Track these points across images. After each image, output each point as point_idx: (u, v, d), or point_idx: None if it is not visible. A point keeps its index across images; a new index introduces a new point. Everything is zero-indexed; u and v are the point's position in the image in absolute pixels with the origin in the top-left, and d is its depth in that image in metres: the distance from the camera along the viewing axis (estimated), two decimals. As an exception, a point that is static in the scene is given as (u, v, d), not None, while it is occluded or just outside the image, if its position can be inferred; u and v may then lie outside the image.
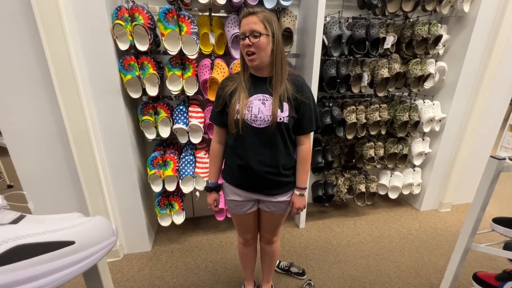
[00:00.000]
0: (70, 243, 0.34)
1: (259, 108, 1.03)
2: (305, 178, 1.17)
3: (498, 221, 1.16)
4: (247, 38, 0.97)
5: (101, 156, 1.61)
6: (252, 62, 1.00)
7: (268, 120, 1.03)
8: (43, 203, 1.64)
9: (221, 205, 1.85)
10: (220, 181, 1.27)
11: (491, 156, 0.98)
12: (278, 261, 1.76)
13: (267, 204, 1.19)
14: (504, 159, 0.96)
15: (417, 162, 2.28)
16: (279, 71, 1.02)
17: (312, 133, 1.14)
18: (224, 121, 1.11)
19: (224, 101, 1.09)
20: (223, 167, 1.25)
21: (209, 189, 1.25)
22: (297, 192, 1.18)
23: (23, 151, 1.52)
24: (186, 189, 1.79)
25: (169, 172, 1.72)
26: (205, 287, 1.63)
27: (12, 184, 2.98)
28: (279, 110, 1.03)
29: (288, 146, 1.11)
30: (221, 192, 1.29)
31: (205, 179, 1.78)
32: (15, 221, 0.33)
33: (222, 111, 1.11)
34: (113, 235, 0.41)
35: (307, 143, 1.15)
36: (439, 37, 1.92)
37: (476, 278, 1.26)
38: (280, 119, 1.03)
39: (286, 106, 1.04)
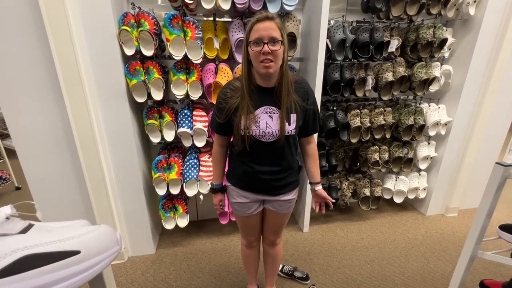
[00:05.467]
0: (76, 252, 0.35)
1: (266, 123, 1.01)
2: (319, 170, 1.23)
3: (505, 228, 1.14)
4: (265, 45, 0.89)
5: (106, 159, 1.64)
6: (268, 69, 0.92)
7: (276, 135, 1.01)
8: (50, 206, 1.66)
9: (225, 208, 1.85)
10: (225, 182, 1.28)
11: (496, 163, 0.96)
12: (281, 265, 1.75)
13: (273, 204, 1.19)
14: (511, 165, 0.94)
15: (422, 166, 2.25)
16: (286, 81, 0.98)
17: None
18: (226, 131, 1.10)
19: (228, 114, 1.04)
20: (227, 168, 1.26)
21: (214, 190, 1.26)
22: (319, 187, 1.22)
23: (31, 154, 1.55)
24: (190, 192, 1.80)
25: (173, 175, 1.74)
26: (209, 291, 1.63)
27: (20, 186, 3.03)
28: (286, 124, 1.00)
29: (293, 151, 1.13)
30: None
31: (209, 182, 1.79)
32: (24, 231, 0.34)
33: (225, 123, 1.07)
34: (117, 244, 0.42)
35: (314, 141, 1.19)
36: (444, 41, 1.91)
37: (483, 285, 1.24)
38: (288, 132, 1.02)
39: (293, 118, 1.02)
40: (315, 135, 1.86)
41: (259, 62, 0.92)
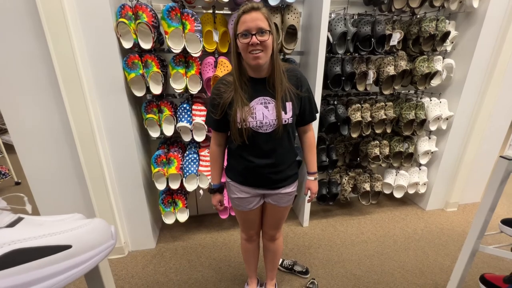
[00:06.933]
0: (67, 247, 0.34)
1: (263, 113, 1.01)
2: (315, 162, 1.23)
3: (507, 222, 1.14)
4: (253, 36, 0.89)
5: (105, 154, 1.62)
6: (258, 60, 0.92)
7: (273, 124, 1.01)
8: (49, 201, 1.66)
9: (225, 203, 1.85)
10: (223, 179, 1.27)
11: (501, 156, 0.95)
12: (281, 260, 1.76)
13: (273, 197, 1.19)
14: (514, 159, 0.93)
15: (423, 161, 2.24)
16: (278, 70, 0.98)
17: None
18: (223, 127, 1.09)
19: (223, 110, 1.03)
20: (225, 164, 1.24)
21: (213, 190, 1.25)
22: (311, 178, 1.23)
23: (30, 149, 1.54)
24: (189, 187, 1.79)
25: (173, 170, 1.73)
26: (209, 285, 1.64)
27: (19, 181, 3.03)
28: (282, 113, 1.01)
29: (292, 142, 1.13)
30: (224, 190, 1.30)
31: (209, 177, 1.78)
32: (12, 224, 0.33)
33: (221, 119, 1.06)
34: (111, 238, 0.40)
35: (311, 129, 1.19)
36: (447, 34, 1.88)
37: (484, 280, 1.24)
38: (285, 121, 1.02)
39: (289, 106, 1.02)
40: (316, 129, 1.87)
41: (249, 53, 0.92)
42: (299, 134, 1.20)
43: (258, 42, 0.89)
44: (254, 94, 1.01)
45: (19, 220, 0.34)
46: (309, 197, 1.28)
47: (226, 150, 1.22)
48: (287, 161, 1.13)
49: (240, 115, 0.99)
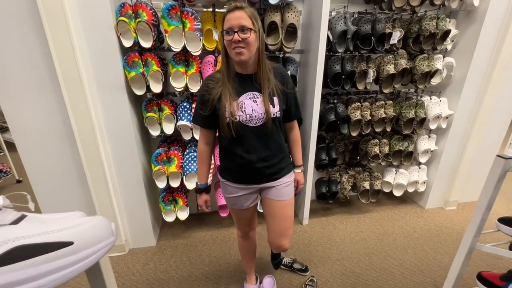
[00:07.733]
0: (69, 243, 0.35)
1: (252, 107, 1.04)
2: (301, 155, 1.30)
3: (504, 221, 1.14)
4: (235, 34, 0.94)
5: (106, 152, 1.63)
6: (240, 56, 0.97)
7: (262, 118, 1.05)
8: (50, 199, 1.67)
9: (223, 201, 1.86)
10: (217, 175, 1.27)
11: (497, 155, 0.96)
12: (281, 258, 1.77)
13: (271, 191, 1.18)
14: (511, 158, 0.94)
15: (422, 159, 2.25)
16: (264, 67, 1.03)
17: None
18: (212, 124, 1.10)
19: (213, 105, 1.05)
20: (216, 163, 1.25)
21: (200, 190, 1.23)
22: (298, 170, 1.29)
23: (31, 148, 1.55)
24: (190, 185, 1.80)
25: (173, 168, 1.74)
26: (209, 282, 1.65)
27: (21, 179, 3.05)
28: (271, 106, 1.05)
29: (281, 135, 1.16)
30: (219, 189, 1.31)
31: (210, 175, 1.79)
32: (16, 222, 0.34)
33: (210, 115, 1.08)
34: (112, 235, 0.42)
35: (296, 126, 1.25)
36: (447, 32, 1.88)
37: (481, 277, 1.25)
38: (274, 114, 1.07)
39: (276, 100, 1.07)
40: (315, 128, 1.87)
41: (232, 49, 0.97)
42: (286, 131, 1.24)
43: (240, 39, 0.94)
44: (242, 89, 1.05)
45: (22, 217, 0.35)
46: (297, 188, 1.31)
47: (217, 149, 1.23)
48: (279, 154, 1.15)
49: (228, 108, 1.02)
